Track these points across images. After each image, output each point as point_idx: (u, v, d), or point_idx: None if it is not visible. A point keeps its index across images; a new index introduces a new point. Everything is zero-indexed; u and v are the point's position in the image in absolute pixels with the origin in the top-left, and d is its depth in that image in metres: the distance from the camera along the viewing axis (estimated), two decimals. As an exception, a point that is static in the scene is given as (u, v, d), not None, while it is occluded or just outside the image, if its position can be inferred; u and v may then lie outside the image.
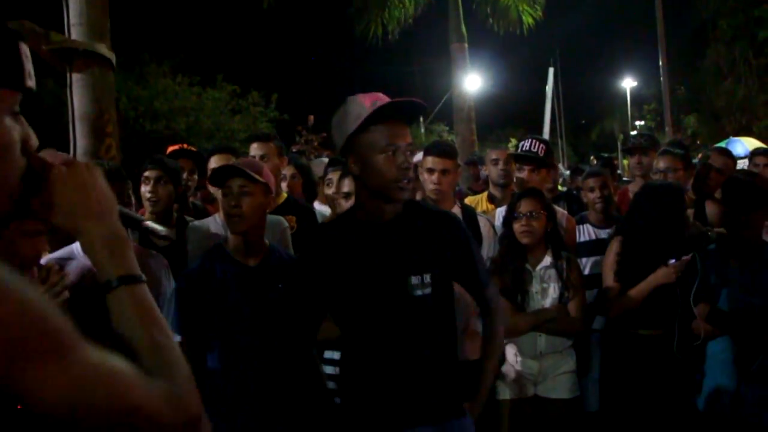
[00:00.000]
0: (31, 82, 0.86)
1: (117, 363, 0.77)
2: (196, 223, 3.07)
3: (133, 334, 0.87)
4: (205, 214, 3.56)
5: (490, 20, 12.53)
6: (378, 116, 1.85)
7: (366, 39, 12.27)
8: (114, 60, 4.19)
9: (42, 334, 0.70)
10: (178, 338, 2.47)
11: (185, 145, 4.25)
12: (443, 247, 1.99)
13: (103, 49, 4.10)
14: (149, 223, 1.15)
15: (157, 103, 14.81)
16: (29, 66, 0.85)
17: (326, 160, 4.16)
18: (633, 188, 4.06)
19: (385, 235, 1.96)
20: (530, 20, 12.52)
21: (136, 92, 14.54)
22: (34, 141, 0.88)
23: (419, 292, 1.92)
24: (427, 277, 1.93)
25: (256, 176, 2.35)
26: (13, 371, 0.68)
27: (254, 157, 3.36)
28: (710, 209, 3.55)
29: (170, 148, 4.23)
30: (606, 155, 8.86)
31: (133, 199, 3.04)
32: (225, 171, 2.40)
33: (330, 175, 3.23)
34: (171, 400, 0.80)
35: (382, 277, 1.93)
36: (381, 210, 1.96)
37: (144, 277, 0.92)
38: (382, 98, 1.89)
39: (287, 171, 3.83)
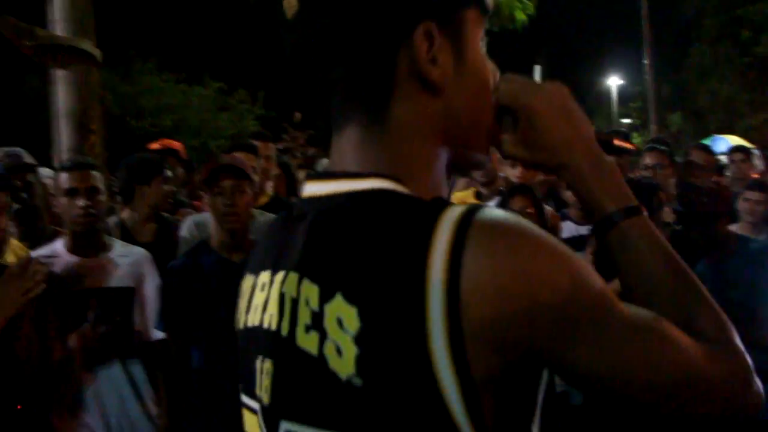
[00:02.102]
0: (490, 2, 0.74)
1: (664, 323, 0.63)
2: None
3: (651, 276, 0.71)
4: (192, 209, 3.55)
5: (483, 17, 12.50)
6: None
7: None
8: (99, 56, 4.15)
9: (590, 304, 0.60)
10: (161, 335, 2.45)
11: (168, 141, 4.27)
12: None
13: (88, 46, 4.07)
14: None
15: (142, 100, 14.71)
16: None
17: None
18: None
19: None
20: (523, 17, 12.48)
21: (121, 89, 14.41)
22: (497, 75, 0.77)
23: None
24: None
25: (251, 174, 2.40)
26: (556, 345, 0.59)
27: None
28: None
29: (152, 146, 4.23)
30: None
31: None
32: (222, 170, 2.37)
33: None
34: (730, 367, 0.65)
35: None
36: None
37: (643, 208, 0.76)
38: None
39: (273, 170, 3.82)
